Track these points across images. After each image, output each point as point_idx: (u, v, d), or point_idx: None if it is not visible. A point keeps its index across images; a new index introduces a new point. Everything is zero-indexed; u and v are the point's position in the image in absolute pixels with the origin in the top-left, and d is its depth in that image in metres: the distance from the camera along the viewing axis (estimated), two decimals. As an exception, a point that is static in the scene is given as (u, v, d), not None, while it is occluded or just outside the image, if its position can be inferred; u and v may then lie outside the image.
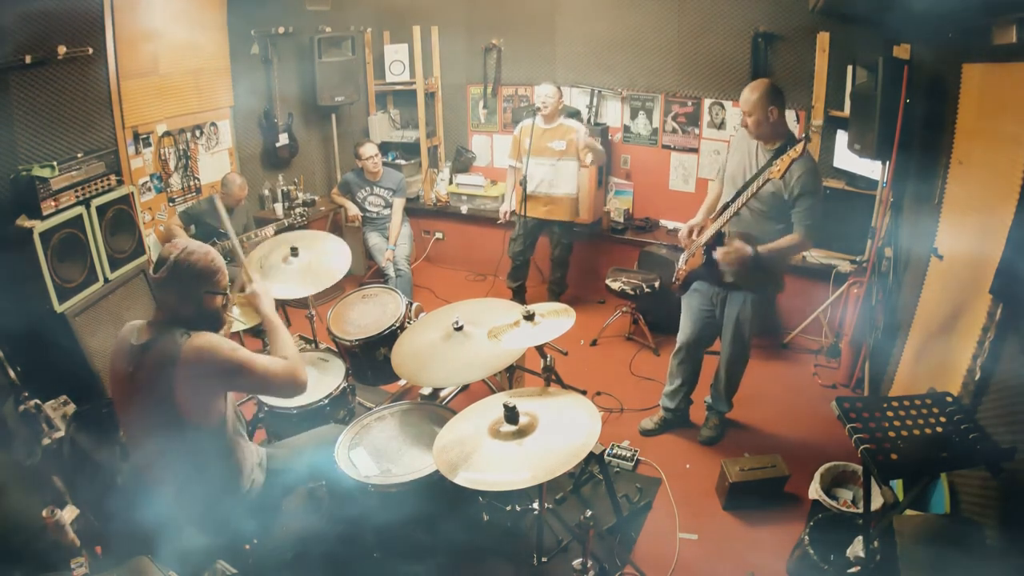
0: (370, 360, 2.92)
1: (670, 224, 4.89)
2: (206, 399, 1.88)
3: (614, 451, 3.21)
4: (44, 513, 2.17)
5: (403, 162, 5.49)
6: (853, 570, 2.08)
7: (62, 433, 2.78)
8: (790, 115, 4.27)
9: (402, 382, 3.32)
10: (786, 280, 3.12)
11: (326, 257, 3.13)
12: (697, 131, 4.71)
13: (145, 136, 4.05)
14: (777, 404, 3.65)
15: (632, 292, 4.16)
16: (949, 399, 1.97)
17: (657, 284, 4.17)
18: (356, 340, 2.87)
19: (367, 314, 3.06)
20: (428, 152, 5.56)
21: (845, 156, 3.93)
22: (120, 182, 3.66)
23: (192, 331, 1.86)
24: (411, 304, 3.11)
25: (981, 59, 2.46)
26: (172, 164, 4.29)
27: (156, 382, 1.81)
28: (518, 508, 2.67)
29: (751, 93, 2.69)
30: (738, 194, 2.77)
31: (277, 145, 5.06)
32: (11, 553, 2.15)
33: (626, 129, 4.97)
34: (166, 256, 1.85)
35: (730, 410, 3.37)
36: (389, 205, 4.81)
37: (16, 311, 2.99)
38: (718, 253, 2.78)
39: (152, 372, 1.82)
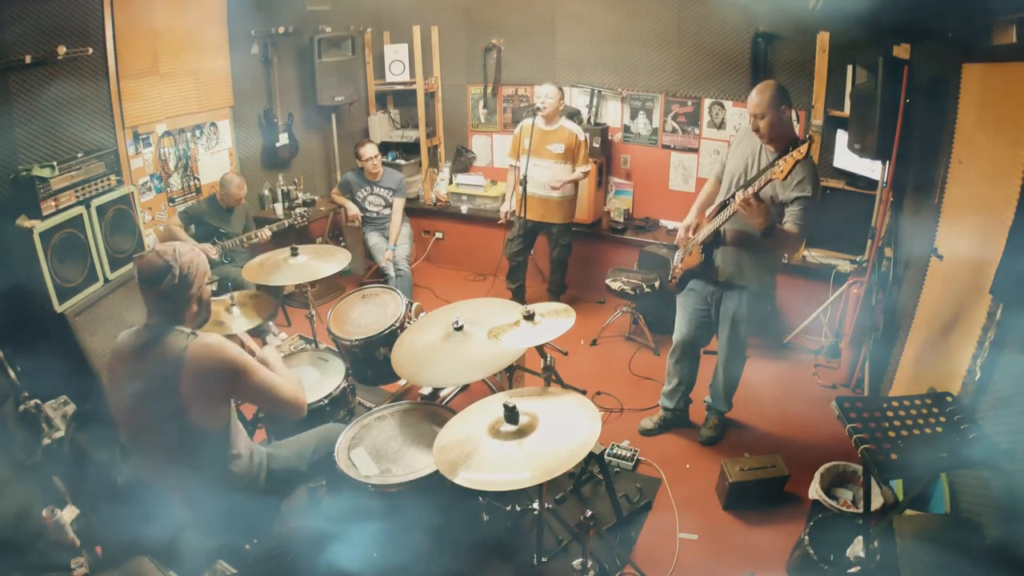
0: (370, 360, 2.92)
1: (670, 224, 4.89)
2: (211, 400, 1.89)
3: (614, 451, 3.21)
4: (44, 513, 2.17)
5: (403, 162, 5.49)
6: (853, 570, 2.08)
7: (62, 433, 2.78)
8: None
9: (402, 382, 3.32)
10: (786, 280, 3.11)
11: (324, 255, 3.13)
12: (697, 131, 4.71)
13: (145, 136, 4.05)
14: (777, 404, 3.64)
15: (632, 292, 4.16)
16: (949, 399, 1.97)
17: (657, 284, 4.17)
18: (356, 340, 2.86)
19: (367, 314, 3.05)
20: (428, 152, 5.56)
21: (845, 156, 3.93)
22: (120, 182, 3.66)
23: (198, 331, 1.90)
24: (411, 304, 3.11)
25: (981, 59, 2.46)
26: (172, 164, 4.29)
27: (161, 381, 1.82)
28: (518, 508, 2.67)
29: (760, 95, 2.64)
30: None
31: (277, 145, 5.06)
32: (11, 553, 2.15)
33: (626, 129, 4.97)
34: (159, 265, 1.84)
35: (730, 410, 3.37)
36: (389, 205, 4.81)
37: (16, 311, 3.00)
38: (739, 197, 2.60)
39: (157, 371, 1.83)
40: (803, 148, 2.39)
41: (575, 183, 4.44)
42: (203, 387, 1.84)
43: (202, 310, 1.99)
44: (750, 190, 2.57)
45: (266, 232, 4.24)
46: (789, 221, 2.69)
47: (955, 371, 2.29)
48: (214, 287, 2.46)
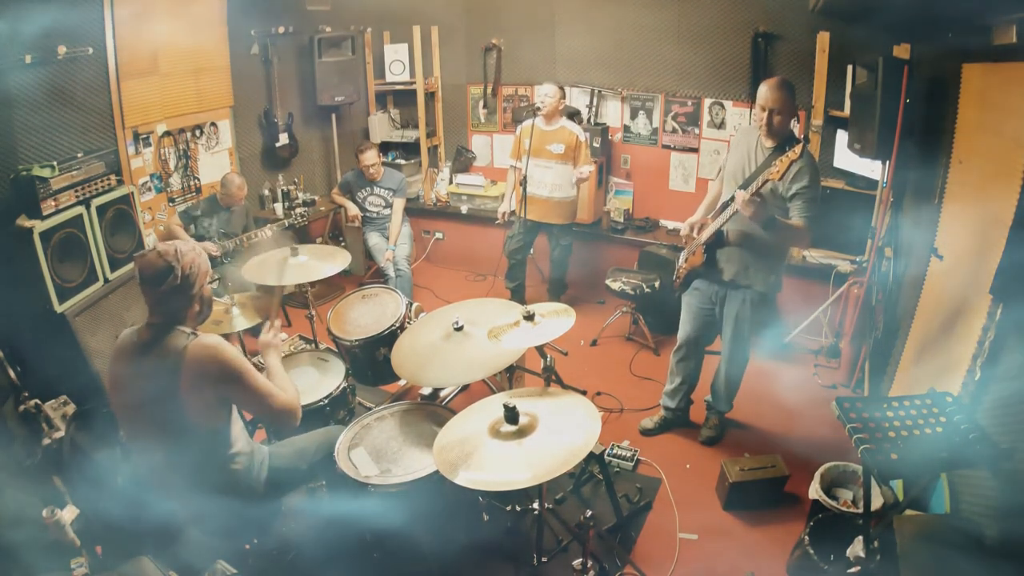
0: (370, 360, 2.92)
1: (670, 224, 4.89)
2: (209, 400, 1.89)
3: (614, 451, 3.20)
4: (44, 513, 2.17)
5: (403, 162, 5.49)
6: (853, 570, 2.08)
7: (62, 433, 2.78)
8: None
9: (402, 382, 3.32)
10: (786, 280, 3.11)
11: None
12: (697, 131, 4.71)
13: (145, 136, 4.05)
14: (777, 404, 3.64)
15: (632, 292, 4.16)
16: (949, 399, 1.97)
17: (657, 284, 4.17)
18: (356, 340, 2.87)
19: (367, 314, 3.06)
20: (428, 152, 5.56)
21: (845, 156, 3.93)
22: (120, 182, 3.66)
23: (198, 331, 1.91)
24: (411, 304, 3.11)
25: (981, 59, 2.46)
26: (172, 164, 4.29)
27: (161, 380, 1.83)
28: (518, 508, 2.67)
29: (779, 91, 2.65)
30: (737, 193, 2.76)
31: (277, 145, 5.06)
32: (10, 553, 2.15)
33: (626, 129, 4.97)
34: (161, 266, 1.84)
35: (730, 410, 3.37)
36: (389, 205, 4.81)
37: (16, 311, 3.00)
38: (739, 197, 2.62)
39: (157, 370, 1.83)
40: (797, 149, 2.43)
41: (581, 181, 4.43)
42: (201, 387, 1.85)
43: (204, 308, 1.99)
44: (751, 189, 2.59)
45: (267, 232, 4.24)
46: (795, 215, 2.70)
47: (955, 371, 2.29)
48: (215, 285, 2.47)
